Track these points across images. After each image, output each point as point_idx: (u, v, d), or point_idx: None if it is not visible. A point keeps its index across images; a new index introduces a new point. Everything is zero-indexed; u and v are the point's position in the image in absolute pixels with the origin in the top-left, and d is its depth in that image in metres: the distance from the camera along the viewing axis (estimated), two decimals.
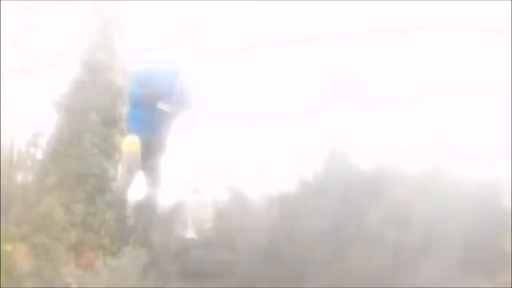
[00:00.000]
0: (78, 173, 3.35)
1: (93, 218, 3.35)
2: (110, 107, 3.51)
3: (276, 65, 4.74)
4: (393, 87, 4.33)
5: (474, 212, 3.11)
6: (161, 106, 3.86)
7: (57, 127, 3.49)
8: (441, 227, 3.05)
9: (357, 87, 4.15)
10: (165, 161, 4.13)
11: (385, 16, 4.60)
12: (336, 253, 2.94)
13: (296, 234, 3.08)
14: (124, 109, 3.92)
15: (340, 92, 4.14)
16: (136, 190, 4.05)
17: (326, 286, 2.80)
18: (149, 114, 3.88)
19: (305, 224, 3.11)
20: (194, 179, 4.09)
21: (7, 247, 2.23)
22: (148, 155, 3.92)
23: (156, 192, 4.02)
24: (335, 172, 3.49)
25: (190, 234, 3.63)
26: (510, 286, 2.72)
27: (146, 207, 3.86)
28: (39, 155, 3.58)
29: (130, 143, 3.79)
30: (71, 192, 3.28)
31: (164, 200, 4.00)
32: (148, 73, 3.86)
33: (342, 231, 3.02)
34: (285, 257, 3.00)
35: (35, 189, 2.91)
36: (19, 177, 3.24)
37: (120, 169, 3.82)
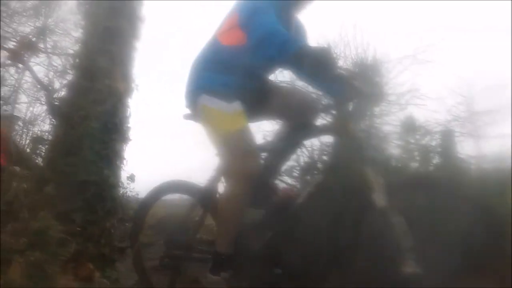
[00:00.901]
0: (78, 181, 3.27)
1: (93, 227, 3.28)
2: (111, 113, 3.43)
3: None
4: None
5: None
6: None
7: (56, 133, 3.43)
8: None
9: None
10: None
11: None
12: None
13: None
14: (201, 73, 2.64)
15: None
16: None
17: None
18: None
19: None
20: None
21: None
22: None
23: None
24: None
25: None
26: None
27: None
28: (39, 162, 3.53)
29: (234, 117, 2.56)
30: (71, 201, 3.21)
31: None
32: None
33: None
34: None
35: (33, 199, 2.83)
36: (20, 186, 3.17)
37: (232, 162, 2.52)
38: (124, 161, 3.67)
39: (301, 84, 3.02)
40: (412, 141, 5.61)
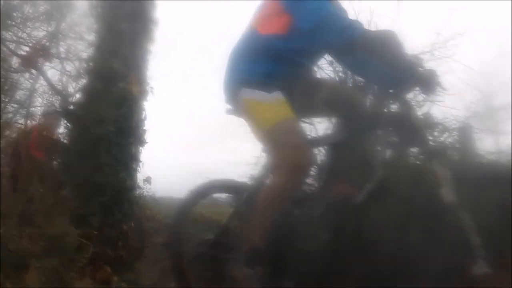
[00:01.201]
0: (94, 184, 3.26)
1: (110, 229, 3.27)
2: (127, 116, 3.41)
3: None
4: None
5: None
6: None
7: (71, 137, 3.42)
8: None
9: None
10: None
11: None
12: None
13: None
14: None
15: None
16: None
17: None
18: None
19: None
20: None
21: None
22: None
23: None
24: None
25: None
26: None
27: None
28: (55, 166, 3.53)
29: (277, 107, 2.37)
30: (87, 204, 3.20)
31: None
32: None
33: None
34: None
35: (50, 203, 2.83)
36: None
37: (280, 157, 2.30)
38: (140, 164, 3.65)
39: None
40: (430, 138, 5.50)
